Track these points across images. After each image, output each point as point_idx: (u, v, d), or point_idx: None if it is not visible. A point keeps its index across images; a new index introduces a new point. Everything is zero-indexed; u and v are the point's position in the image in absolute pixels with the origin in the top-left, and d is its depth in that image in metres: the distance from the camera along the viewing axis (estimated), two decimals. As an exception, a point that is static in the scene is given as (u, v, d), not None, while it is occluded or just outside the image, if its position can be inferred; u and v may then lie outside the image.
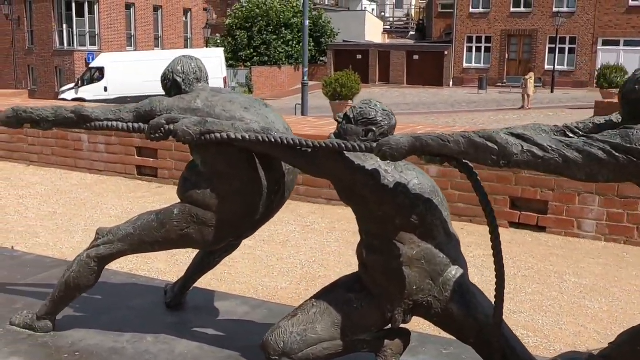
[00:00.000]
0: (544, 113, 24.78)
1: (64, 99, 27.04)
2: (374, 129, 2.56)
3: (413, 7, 69.20)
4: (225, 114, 2.87)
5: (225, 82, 29.55)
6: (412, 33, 61.85)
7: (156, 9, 34.89)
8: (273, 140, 2.63)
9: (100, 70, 27.30)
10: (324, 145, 2.53)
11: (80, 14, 31.56)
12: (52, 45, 31.87)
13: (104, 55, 28.17)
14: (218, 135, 2.74)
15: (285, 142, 2.60)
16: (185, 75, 3.06)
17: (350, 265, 4.62)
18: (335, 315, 2.68)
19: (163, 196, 6.75)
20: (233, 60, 40.56)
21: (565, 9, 37.62)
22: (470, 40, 41.30)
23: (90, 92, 26.64)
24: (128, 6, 33.32)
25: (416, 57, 42.87)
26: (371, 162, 2.55)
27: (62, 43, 31.90)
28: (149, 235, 2.98)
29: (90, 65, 28.35)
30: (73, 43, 31.72)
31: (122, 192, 6.90)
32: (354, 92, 23.76)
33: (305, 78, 17.45)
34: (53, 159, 8.13)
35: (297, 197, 6.46)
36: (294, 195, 6.47)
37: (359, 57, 44.75)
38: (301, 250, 4.99)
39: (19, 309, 3.51)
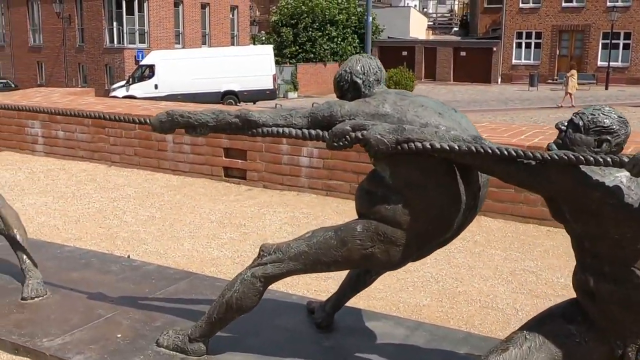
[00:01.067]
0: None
1: (114, 97, 27.21)
2: (610, 138, 2.22)
3: (456, 2, 68.24)
4: (418, 120, 2.56)
5: (274, 79, 29.36)
6: (455, 29, 60.94)
7: (204, 6, 34.92)
8: (491, 151, 2.30)
9: (151, 67, 27.36)
10: (556, 157, 2.20)
11: (130, 11, 31.73)
12: (102, 43, 32.13)
13: (155, 53, 28.23)
14: (419, 144, 2.43)
15: (507, 153, 2.28)
16: (365, 77, 2.75)
17: (486, 279, 4.29)
18: (554, 351, 2.35)
19: (256, 199, 6.50)
20: (278, 57, 40.33)
21: (620, 4, 36.51)
22: (519, 36, 40.43)
23: (140, 89, 26.71)
24: (176, 4, 33.41)
25: (463, 53, 42.20)
26: (611, 177, 2.21)
27: (112, 41, 32.13)
28: (327, 255, 2.68)
29: (141, 63, 28.45)
30: (123, 41, 31.92)
31: (213, 195, 6.67)
32: (408, 89, 23.40)
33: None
34: (135, 160, 7.95)
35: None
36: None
37: (405, 53, 44.21)
38: (426, 262, 4.65)
39: (160, 328, 3.27)
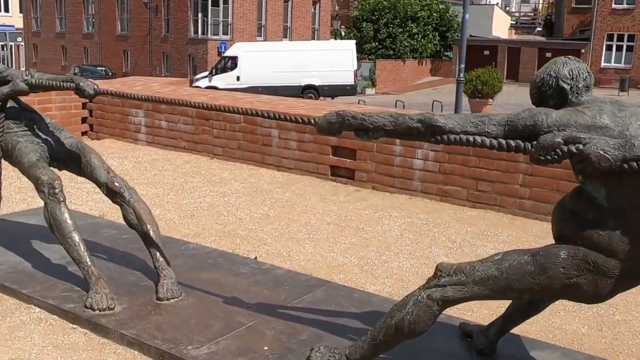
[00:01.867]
0: None
1: (197, 87, 27.56)
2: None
3: (540, 1, 66.10)
4: (644, 134, 2.23)
5: (355, 75, 29.07)
6: (538, 29, 59.07)
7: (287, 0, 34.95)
8: None
9: (234, 59, 27.56)
10: None
11: (215, 3, 32.06)
12: (186, 33, 32.63)
13: (238, 45, 28.43)
14: (652, 163, 2.10)
15: None
16: (574, 82, 2.42)
17: (644, 307, 3.87)
18: None
19: (367, 202, 6.24)
20: (357, 52, 40.01)
21: None
22: (610, 38, 38.69)
23: (223, 80, 26.95)
24: (260, -4, 33.56)
25: (549, 54, 40.62)
26: None
27: (196, 32, 32.58)
28: (522, 281, 2.38)
29: (224, 54, 28.70)
30: (207, 32, 32.31)
31: (322, 195, 6.45)
32: (496, 90, 22.67)
33: (462, 75, 16.58)
34: (238, 153, 7.84)
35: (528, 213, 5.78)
36: (530, 212, 5.78)
37: (487, 52, 43.11)
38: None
39: (307, 342, 3.05)
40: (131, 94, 5.69)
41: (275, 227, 5.27)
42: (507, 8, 63.99)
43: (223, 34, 32.42)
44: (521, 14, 62.08)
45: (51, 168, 3.84)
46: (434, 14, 42.89)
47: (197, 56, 32.32)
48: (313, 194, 6.48)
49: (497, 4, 58.79)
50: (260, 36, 33.84)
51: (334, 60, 27.88)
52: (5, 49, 42.22)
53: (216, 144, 8.04)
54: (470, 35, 45.41)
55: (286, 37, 35.24)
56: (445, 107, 25.33)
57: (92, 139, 9.21)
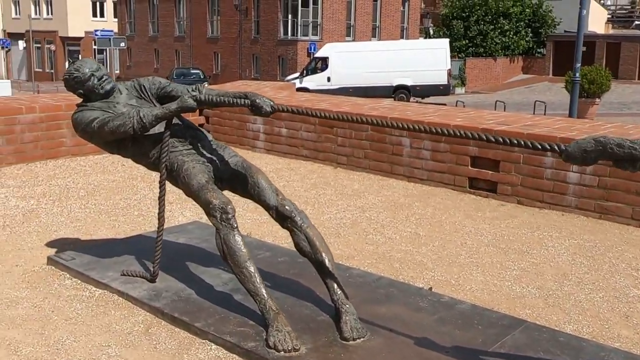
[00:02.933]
0: None
1: None
2: None
3: (637, -7, 62.79)
4: None
5: (449, 74, 28.33)
6: (637, 22, 56.07)
7: (376, -2, 34.53)
8: None
9: (324, 60, 27.40)
10: None
11: (305, 4, 32.02)
12: (276, 34, 32.77)
13: (328, 46, 28.26)
14: None
15: None
16: None
17: None
18: None
19: (518, 219, 5.75)
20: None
21: None
22: None
23: (314, 81, 26.85)
24: (350, -4, 33.29)
25: (651, 49, 38.54)
26: None
27: (286, 33, 32.66)
28: None
29: (315, 55, 28.59)
30: (296, 33, 32.32)
31: (466, 210, 6.00)
32: (604, 89, 21.47)
33: (577, 74, 15.66)
34: (364, 163, 7.49)
35: None
36: None
37: (583, 49, 41.18)
38: None
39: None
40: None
41: (430, 248, 4.87)
42: (602, 1, 61.28)
43: (312, 35, 32.37)
44: (617, 7, 59.17)
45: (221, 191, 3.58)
46: (527, 10, 41.45)
47: (286, 57, 32.40)
48: (455, 209, 6.04)
49: (591, -3, 56.25)
50: (349, 36, 33.59)
51: (426, 59, 27.30)
52: (103, 53, 43.82)
53: (340, 152, 7.73)
54: (565, 31, 43.63)
55: (375, 37, 34.84)
56: (549, 107, 24.21)
57: (208, 146, 9.08)
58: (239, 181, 3.69)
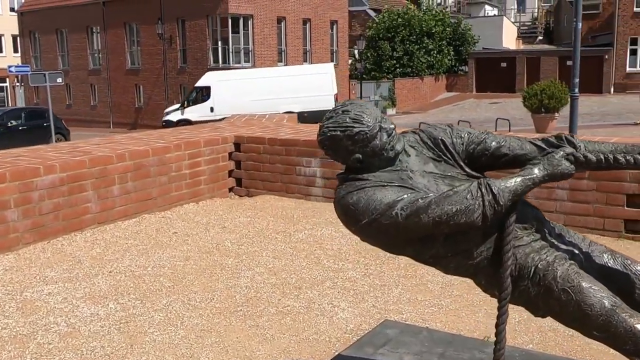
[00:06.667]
0: None
1: (168, 121, 25.68)
2: None
3: (536, 9, 65.70)
4: None
5: (336, 100, 26.98)
6: (540, 38, 58.46)
7: (305, 21, 33.57)
8: None
9: (206, 89, 26.04)
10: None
11: (235, 30, 30.57)
12: (206, 63, 31.05)
13: (210, 74, 26.83)
14: None
15: None
16: None
17: None
18: None
19: None
20: (376, 72, 38.83)
21: None
22: (634, 42, 37.82)
23: (196, 112, 25.37)
24: (279, 20, 32.14)
25: (569, 62, 39.59)
26: None
27: (216, 60, 31.00)
28: None
29: (196, 85, 27.03)
30: (228, 60, 30.75)
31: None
32: (563, 103, 21.30)
33: (576, 90, 15.10)
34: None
35: None
36: None
37: (504, 64, 42.05)
38: None
39: None
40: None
41: None
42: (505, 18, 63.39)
43: (245, 62, 30.89)
44: (520, 23, 61.52)
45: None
46: (448, 29, 41.86)
47: (219, 86, 30.70)
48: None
49: (494, 15, 58.13)
50: (282, 61, 32.40)
51: (312, 85, 25.91)
52: (3, 90, 40.19)
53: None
54: (483, 48, 44.52)
55: (307, 61, 33.81)
56: (499, 124, 23.94)
57: (242, 196, 7.54)
58: (615, 284, 2.31)
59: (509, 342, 3.46)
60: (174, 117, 26.15)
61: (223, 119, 9.31)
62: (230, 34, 30.45)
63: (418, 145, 2.36)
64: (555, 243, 2.33)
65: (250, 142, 7.54)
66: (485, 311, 3.95)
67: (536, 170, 2.17)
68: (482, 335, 3.61)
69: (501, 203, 2.11)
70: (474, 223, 2.11)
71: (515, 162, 2.31)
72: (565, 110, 22.26)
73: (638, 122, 23.57)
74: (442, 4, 56.29)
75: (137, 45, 34.64)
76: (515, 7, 65.19)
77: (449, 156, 2.34)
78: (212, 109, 25.40)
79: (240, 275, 4.62)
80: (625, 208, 5.50)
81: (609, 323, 2.07)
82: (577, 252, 2.33)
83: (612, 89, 37.88)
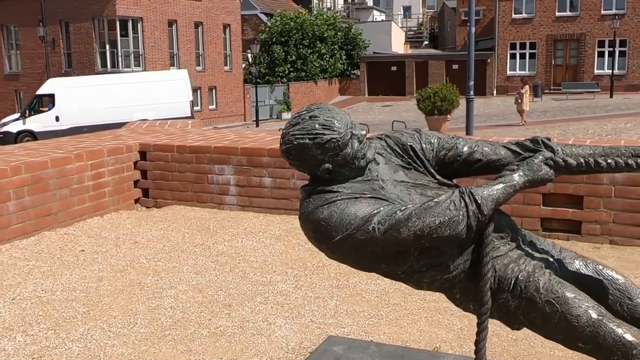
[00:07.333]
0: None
1: (7, 132, 23.91)
2: None
3: (421, 15, 68.11)
4: None
5: (191, 106, 26.52)
6: (426, 42, 60.61)
7: (197, 25, 32.88)
8: None
9: (50, 97, 24.31)
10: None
11: (124, 33, 29.41)
12: (93, 67, 29.66)
13: (54, 81, 25.20)
14: None
15: None
16: None
17: None
18: None
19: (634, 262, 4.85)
20: (270, 76, 38.68)
21: (614, 11, 36.48)
22: (513, 46, 39.96)
23: (39, 122, 23.73)
24: (170, 23, 31.28)
25: (455, 66, 41.34)
26: None
27: (104, 65, 29.70)
28: None
29: (38, 92, 25.19)
30: (117, 64, 29.53)
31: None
32: (455, 105, 22.03)
33: (471, 92, 15.56)
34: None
35: None
36: None
37: (394, 68, 43.16)
38: None
39: None
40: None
41: None
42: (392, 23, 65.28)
43: (135, 66, 29.78)
44: (407, 28, 63.50)
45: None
46: (339, 33, 42.43)
47: (108, 91, 29.38)
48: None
49: (382, 20, 59.71)
50: (174, 65, 31.54)
51: (166, 91, 25.14)
52: None
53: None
54: (374, 52, 45.50)
55: (199, 65, 33.12)
56: (376, 127, 24.41)
57: (149, 207, 7.12)
58: (588, 291, 2.23)
59: (459, 352, 3.38)
60: (14, 127, 24.13)
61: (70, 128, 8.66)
62: (118, 37, 29.25)
63: (386, 152, 2.19)
64: (530, 251, 2.23)
65: (157, 150, 7.12)
66: (426, 319, 3.85)
67: (516, 176, 2.06)
68: (428, 345, 3.50)
69: (485, 213, 1.98)
70: (458, 235, 1.96)
71: (488, 168, 2.19)
72: (457, 111, 23.15)
73: (522, 123, 24.76)
74: (332, 8, 57.05)
75: (16, 49, 32.54)
76: (402, 12, 67.30)
77: (419, 163, 2.19)
78: (57, 119, 23.65)
79: (162, 295, 4.28)
80: (542, 207, 5.63)
81: (596, 334, 1.98)
82: (551, 259, 2.24)
83: (494, 91, 39.81)
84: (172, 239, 5.66)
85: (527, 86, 25.54)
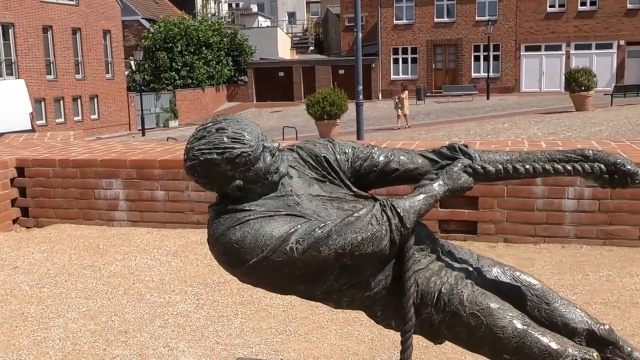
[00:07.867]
0: (528, 118, 24.41)
1: None
2: None
3: (306, 21, 68.82)
4: None
5: (32, 118, 25.34)
6: (311, 48, 61.28)
7: (75, 31, 31.38)
8: None
9: None
10: None
11: (-7, 39, 27.54)
12: (-42, 77, 27.55)
13: None
14: None
15: None
16: None
17: None
18: None
19: (533, 260, 5.02)
20: (155, 83, 37.61)
21: (487, 17, 38.46)
22: (396, 51, 41.18)
23: None
24: (45, 29, 29.65)
25: (342, 71, 42.03)
26: None
27: (-29, 74, 27.66)
28: None
29: None
30: (-14, 73, 27.60)
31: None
32: (343, 109, 22.31)
33: (360, 97, 15.69)
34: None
35: None
36: None
37: (281, 74, 43.24)
38: None
39: None
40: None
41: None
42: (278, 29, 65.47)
43: (7, 75, 27.95)
44: (293, 34, 63.91)
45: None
46: (225, 39, 41.99)
47: (-22, 102, 27.35)
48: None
49: (267, 26, 59.78)
50: (50, 74, 29.92)
51: (4, 103, 23.49)
52: None
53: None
54: (261, 58, 45.39)
55: (79, 73, 31.62)
56: (287, 131, 24.43)
57: (29, 227, 6.60)
58: (507, 298, 2.19)
59: (373, 365, 3.29)
60: None
61: None
62: (-13, 44, 27.36)
63: (299, 165, 2.05)
64: (450, 262, 2.16)
65: (37, 166, 6.61)
66: (335, 331, 3.74)
67: (436, 186, 1.98)
68: (341, 359, 3.39)
69: (408, 226, 1.88)
70: (381, 251, 1.85)
71: (406, 177, 2.11)
72: (345, 116, 23.47)
73: (398, 126, 25.23)
74: (217, 14, 56.44)
75: None
76: (287, 18, 67.71)
77: (334, 175, 2.06)
78: None
79: (49, 325, 3.90)
80: (439, 209, 5.70)
81: (522, 345, 1.93)
82: (470, 269, 2.19)
83: (380, 95, 40.83)
84: (57, 262, 5.23)
85: (406, 91, 26.26)
